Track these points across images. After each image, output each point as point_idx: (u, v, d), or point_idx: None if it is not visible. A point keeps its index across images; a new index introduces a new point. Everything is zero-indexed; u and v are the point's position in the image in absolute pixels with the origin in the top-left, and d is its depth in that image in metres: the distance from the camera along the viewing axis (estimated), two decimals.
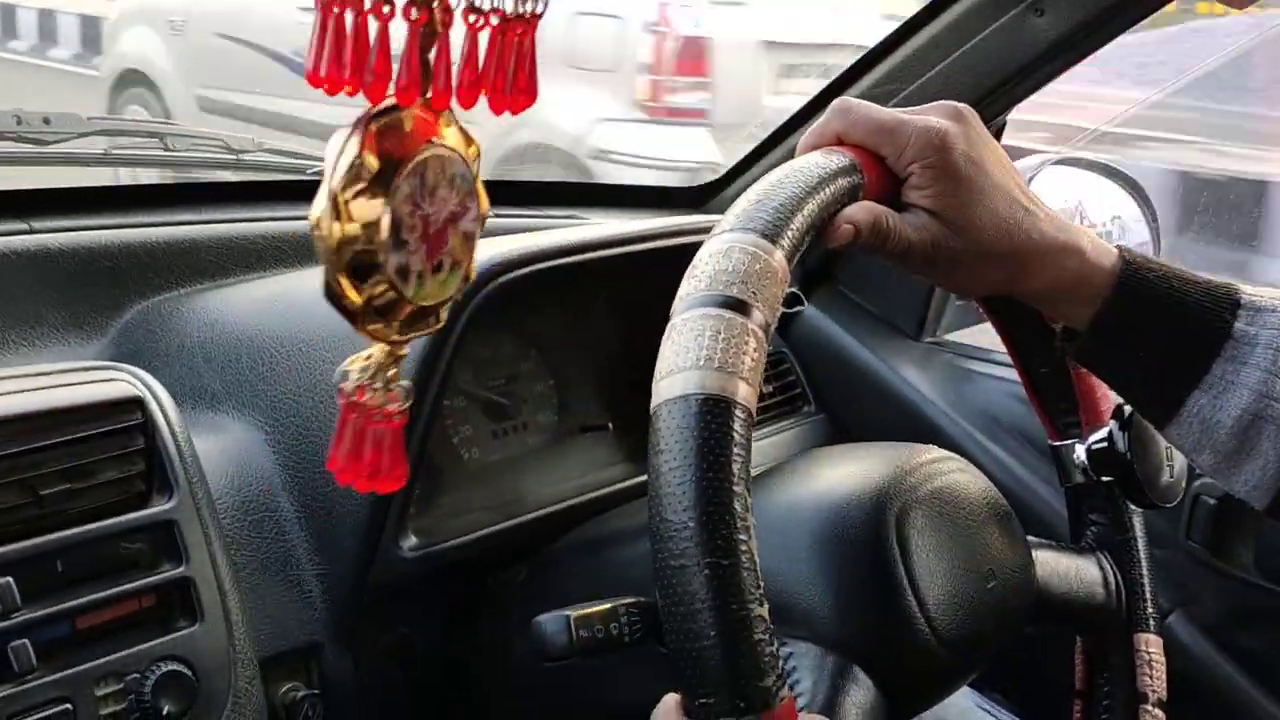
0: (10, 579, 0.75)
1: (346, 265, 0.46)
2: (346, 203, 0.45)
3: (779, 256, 0.61)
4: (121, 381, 0.85)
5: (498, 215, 1.33)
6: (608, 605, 0.61)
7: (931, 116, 0.73)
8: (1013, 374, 1.34)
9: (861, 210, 0.70)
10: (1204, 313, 0.74)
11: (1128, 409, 0.85)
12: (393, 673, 0.99)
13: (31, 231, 1.08)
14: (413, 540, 0.95)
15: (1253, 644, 1.21)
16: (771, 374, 1.41)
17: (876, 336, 1.43)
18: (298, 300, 1.05)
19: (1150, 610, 0.89)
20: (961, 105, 0.74)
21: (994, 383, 1.36)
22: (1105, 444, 0.86)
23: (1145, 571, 0.89)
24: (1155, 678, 0.87)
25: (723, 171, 1.51)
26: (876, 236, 0.71)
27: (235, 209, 1.20)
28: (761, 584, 0.55)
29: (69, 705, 0.76)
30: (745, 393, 0.57)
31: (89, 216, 1.12)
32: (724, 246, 0.61)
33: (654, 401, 0.57)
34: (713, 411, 0.56)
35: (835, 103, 0.74)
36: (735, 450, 0.56)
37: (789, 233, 0.62)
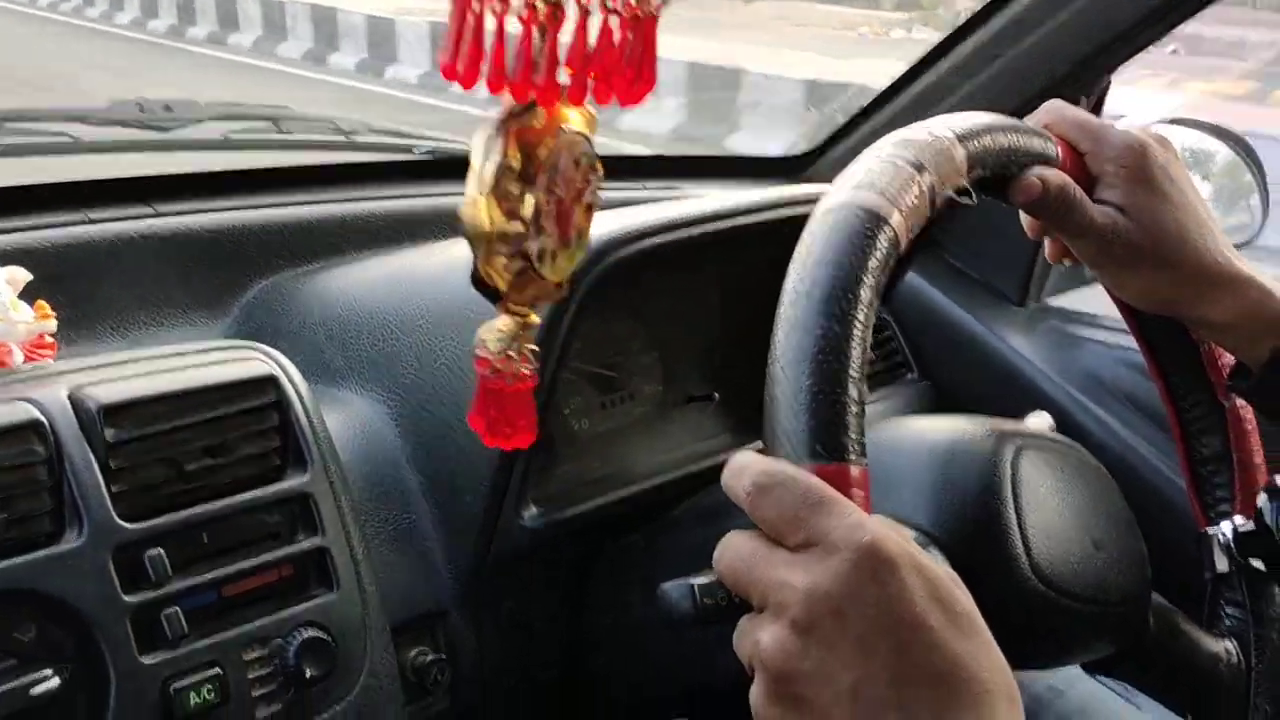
0: (161, 550, 0.79)
1: (495, 251, 0.48)
2: (496, 199, 0.47)
3: (960, 151, 0.63)
4: (256, 360, 0.88)
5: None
6: None
7: (1135, 131, 0.75)
8: (1122, 339, 1.33)
9: (1053, 173, 0.71)
10: None
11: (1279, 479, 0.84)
12: (514, 638, 1.02)
13: (156, 215, 1.11)
14: (533, 510, 0.98)
15: None
16: (873, 340, 1.40)
17: (979, 302, 1.42)
18: (416, 276, 1.08)
19: (1271, 709, 0.84)
20: (1162, 133, 0.77)
21: (1102, 348, 1.34)
22: (1254, 525, 0.83)
23: (1276, 669, 0.85)
24: None
25: (819, 141, 1.51)
26: (1062, 202, 0.72)
27: (348, 189, 1.23)
28: (865, 367, 0.56)
29: (219, 669, 0.79)
30: (899, 221, 0.58)
31: (209, 200, 1.15)
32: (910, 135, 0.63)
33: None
34: (863, 219, 0.57)
35: (1048, 102, 0.77)
36: (875, 255, 0.57)
37: (978, 139, 0.64)
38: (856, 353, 0.55)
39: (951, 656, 0.50)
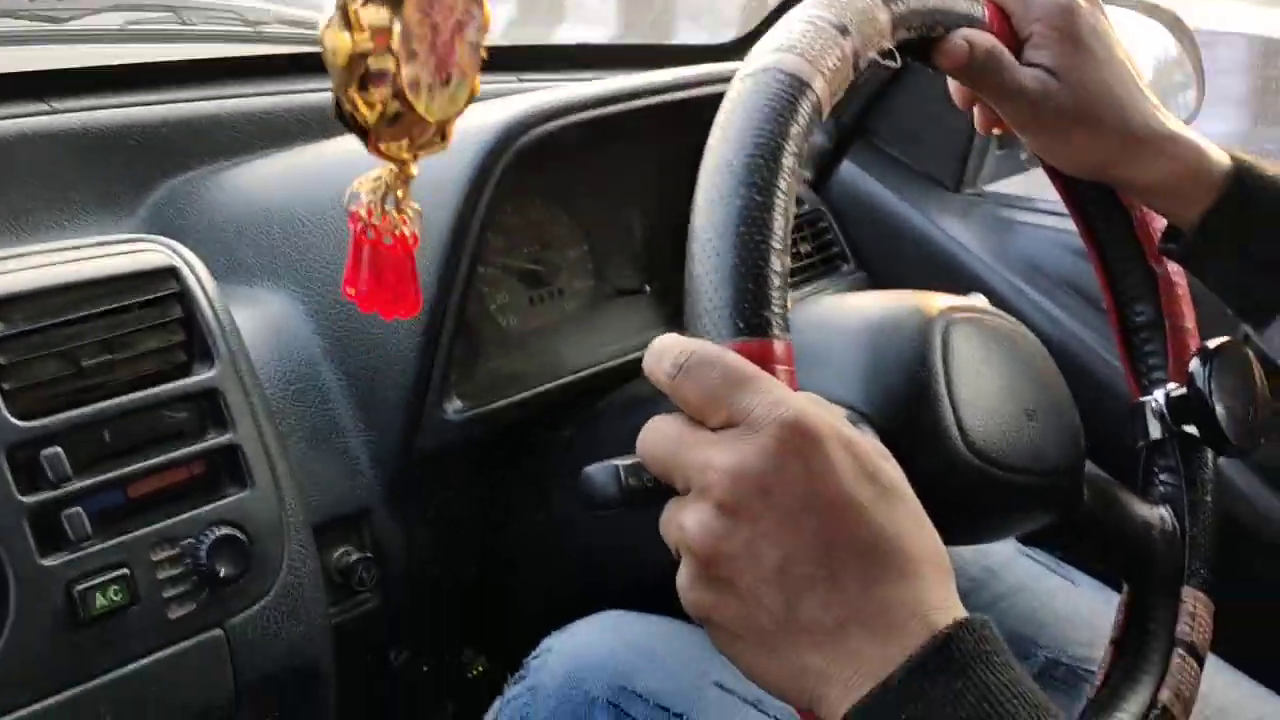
0: (59, 449, 0.76)
1: (357, 79, 0.44)
2: (356, 12, 0.43)
3: (885, 14, 0.61)
4: (155, 252, 0.84)
5: (522, 81, 1.30)
6: None
7: None
8: (1058, 222, 1.32)
9: (980, 35, 0.70)
10: None
11: (1212, 343, 0.83)
12: (442, 535, 1.00)
13: (52, 111, 1.06)
14: (456, 403, 0.95)
15: None
16: (809, 233, 1.38)
17: (915, 190, 1.41)
18: (327, 169, 1.03)
19: (1206, 572, 0.84)
20: None
21: (1039, 232, 1.33)
22: (1186, 390, 0.82)
23: (1210, 533, 0.85)
24: (1197, 630, 0.82)
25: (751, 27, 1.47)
26: (989, 65, 0.70)
27: (256, 83, 1.18)
28: (788, 239, 0.54)
29: (126, 570, 0.76)
30: (821, 86, 0.56)
31: (110, 95, 1.10)
32: None
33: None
34: (784, 83, 0.55)
35: None
36: (797, 121, 0.55)
37: (904, 1, 0.62)
38: (779, 223, 0.53)
39: (878, 529, 0.49)
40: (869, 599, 0.48)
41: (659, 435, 0.52)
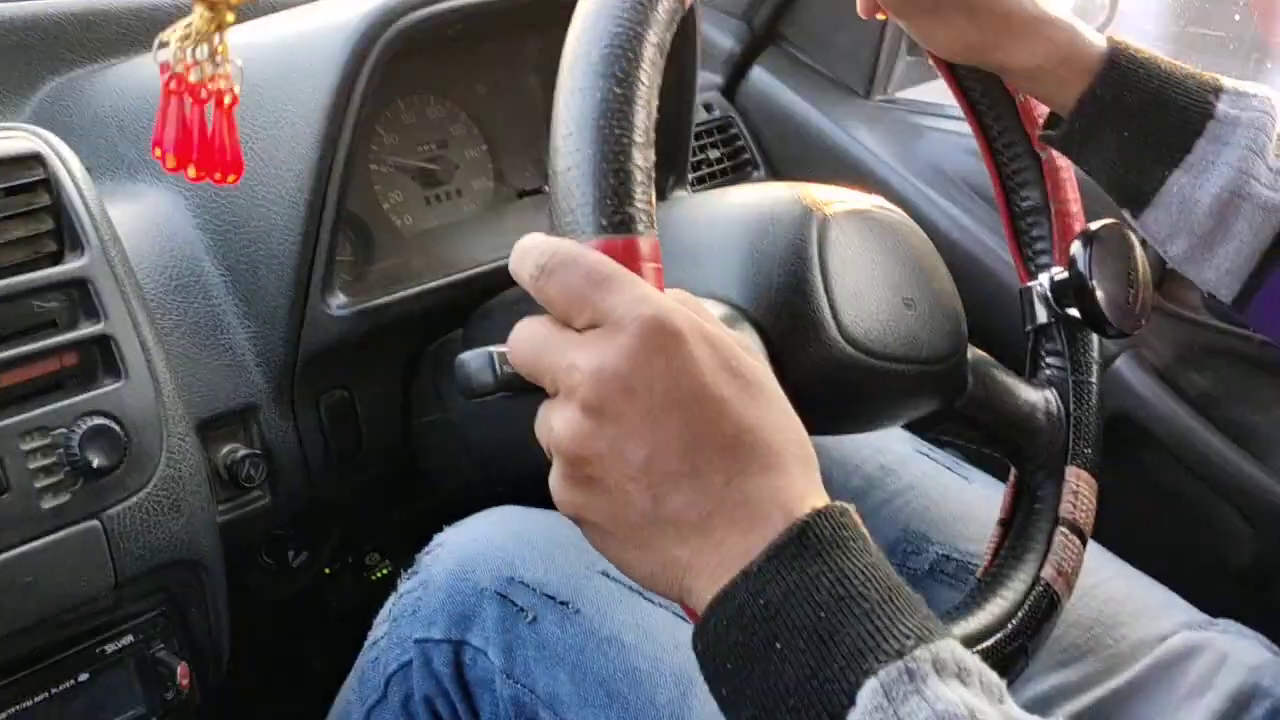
0: None
1: None
2: None
3: None
4: (19, 139, 0.82)
5: None
6: None
7: None
8: (964, 128, 1.32)
9: None
10: (1188, 95, 0.75)
11: (1093, 226, 0.83)
12: (336, 434, 0.99)
13: None
14: (341, 298, 0.94)
15: (1201, 382, 1.22)
16: (720, 139, 1.38)
17: (825, 96, 1.40)
18: None
19: (1090, 452, 0.86)
20: None
21: (945, 137, 1.33)
22: (1068, 273, 0.84)
23: (1094, 415, 0.87)
24: (1079, 508, 0.84)
25: None
26: None
27: None
28: (651, 133, 0.53)
29: None
30: None
31: None
32: None
33: None
34: None
35: None
36: (658, 9, 0.54)
37: None
38: (641, 116, 0.52)
39: (741, 422, 0.50)
40: (732, 491, 0.49)
41: (527, 337, 0.52)
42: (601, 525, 0.51)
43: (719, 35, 1.42)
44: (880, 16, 0.83)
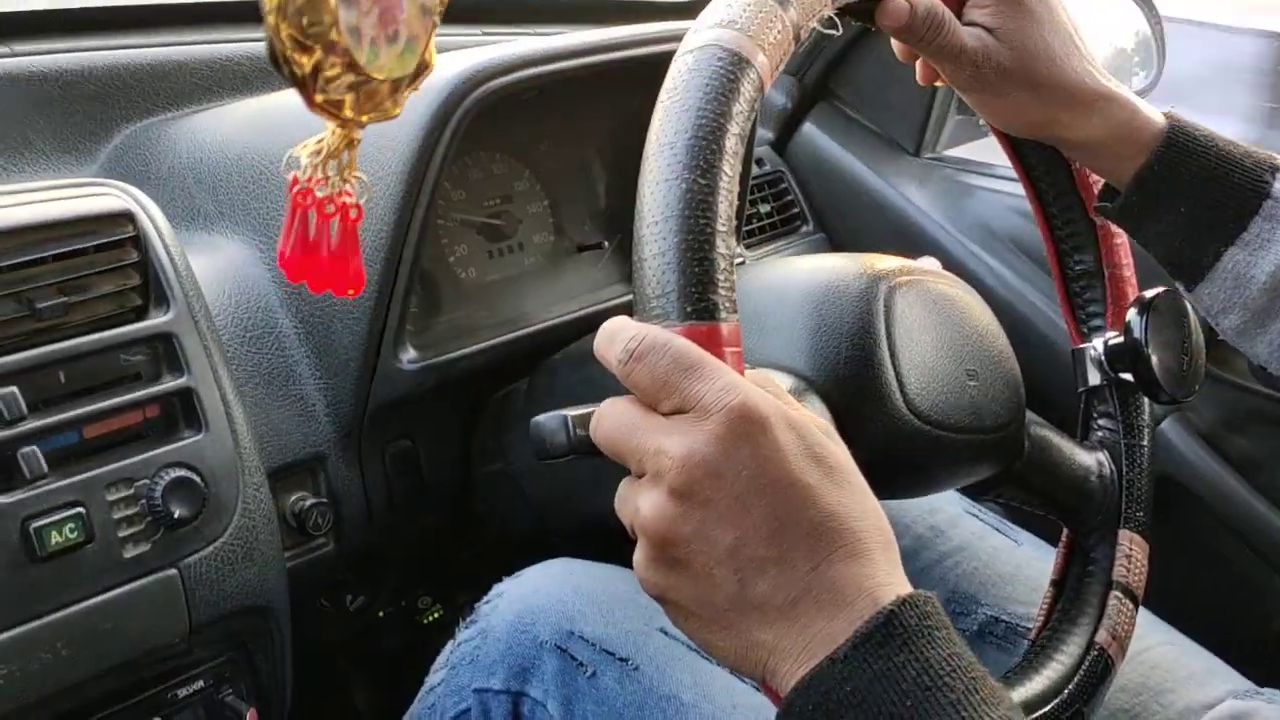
0: (14, 388, 0.76)
1: (292, 24, 0.43)
2: None
3: None
4: (111, 195, 0.85)
5: (485, 34, 1.30)
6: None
7: None
8: (1013, 187, 1.34)
9: None
10: (1245, 173, 0.75)
11: (1149, 294, 0.85)
12: (399, 483, 1.01)
13: (12, 54, 1.06)
14: (411, 353, 0.96)
15: (1245, 446, 1.23)
16: (769, 193, 1.40)
17: (875, 153, 1.42)
18: (286, 117, 1.03)
19: (1143, 515, 0.87)
20: None
21: (993, 196, 1.35)
22: (1123, 339, 0.85)
23: (1146, 477, 0.88)
24: (1132, 572, 0.85)
25: None
26: (930, 26, 0.72)
27: (219, 29, 1.18)
28: (733, 221, 0.55)
29: (81, 509, 0.77)
30: (762, 61, 0.57)
31: (70, 39, 1.10)
32: None
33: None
34: (725, 61, 0.55)
35: None
36: (739, 100, 0.55)
37: None
38: (723, 206, 0.54)
39: (826, 509, 0.51)
40: (818, 577, 0.50)
41: (613, 419, 0.53)
42: (686, 606, 0.52)
43: (771, 91, 1.44)
44: (939, 84, 0.85)
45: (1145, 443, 0.89)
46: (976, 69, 0.74)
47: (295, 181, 0.47)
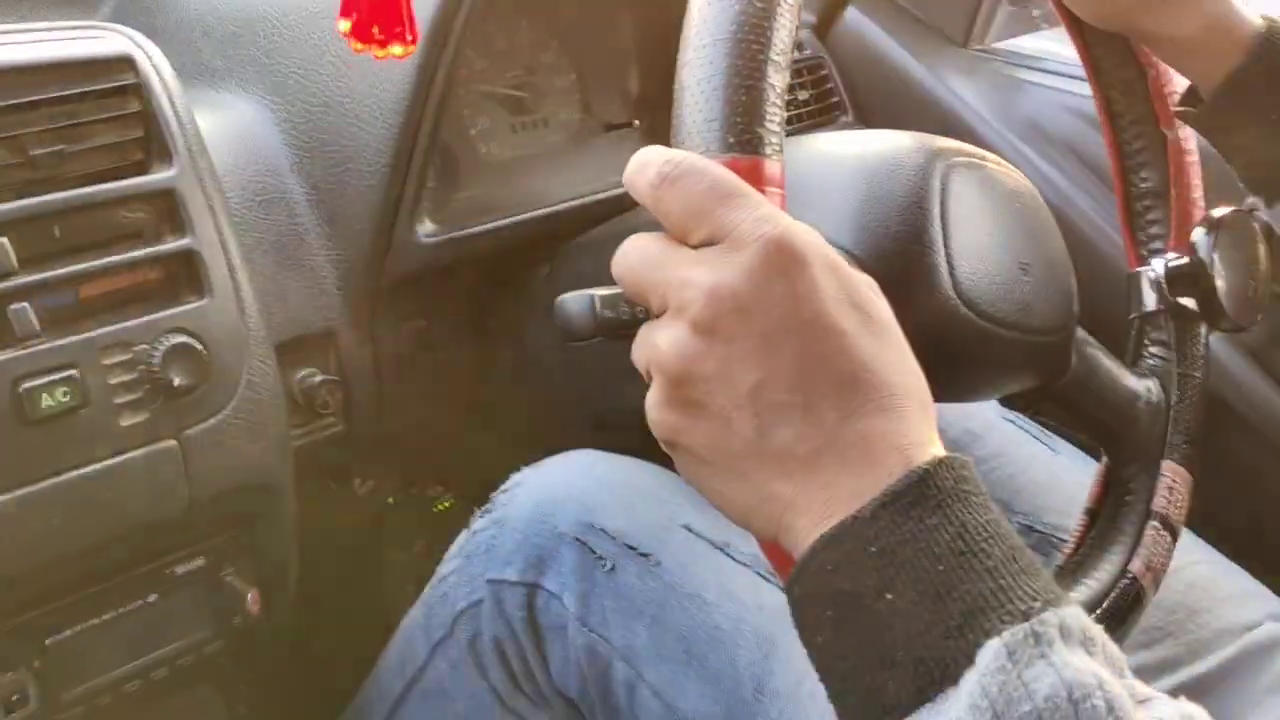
0: (4, 240, 0.72)
1: None
2: None
3: None
4: (113, 38, 0.79)
5: None
6: None
7: None
8: (1066, 84, 1.27)
9: None
10: None
11: (1216, 213, 0.79)
12: (417, 362, 0.97)
13: None
14: (429, 226, 0.91)
15: None
16: (809, 80, 1.33)
17: (921, 43, 1.34)
18: None
19: (1188, 447, 0.81)
20: None
21: (1046, 93, 1.28)
22: (1186, 260, 0.79)
23: (1196, 410, 0.82)
24: (1174, 503, 0.80)
25: None
26: None
27: None
28: (789, 53, 0.50)
29: (75, 372, 0.73)
30: None
31: None
32: None
33: None
34: None
35: None
36: None
37: None
38: (782, 34, 0.49)
39: (861, 358, 0.46)
40: (846, 430, 0.45)
41: (636, 252, 0.49)
42: (698, 452, 0.48)
43: None
44: None
45: (1198, 373, 0.84)
46: None
47: None
